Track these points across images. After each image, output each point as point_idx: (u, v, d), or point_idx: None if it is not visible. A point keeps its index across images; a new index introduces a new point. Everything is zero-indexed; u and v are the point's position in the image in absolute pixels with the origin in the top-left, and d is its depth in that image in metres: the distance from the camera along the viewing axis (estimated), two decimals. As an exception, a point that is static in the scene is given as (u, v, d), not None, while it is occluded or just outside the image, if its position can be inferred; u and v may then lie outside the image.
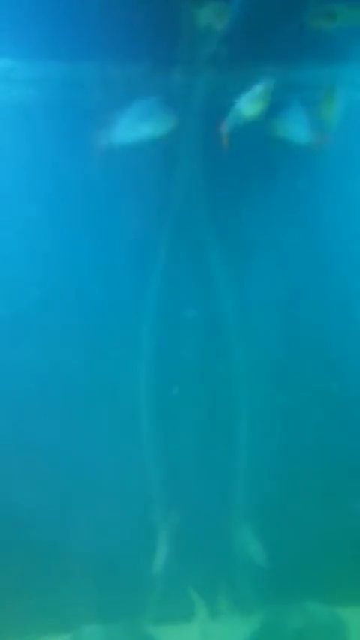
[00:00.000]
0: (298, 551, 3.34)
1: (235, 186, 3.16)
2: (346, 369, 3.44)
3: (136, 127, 2.67)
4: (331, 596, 3.38)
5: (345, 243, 3.37)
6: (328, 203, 3.30)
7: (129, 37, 2.72)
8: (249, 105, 2.54)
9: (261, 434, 3.39)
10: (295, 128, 2.82)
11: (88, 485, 3.29)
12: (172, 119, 2.72)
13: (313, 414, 3.40)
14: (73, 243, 3.20)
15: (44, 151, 3.01)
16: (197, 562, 3.35)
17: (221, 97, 2.85)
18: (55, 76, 2.92)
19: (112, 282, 3.24)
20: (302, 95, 2.83)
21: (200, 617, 3.25)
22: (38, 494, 3.23)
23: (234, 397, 3.38)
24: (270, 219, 3.26)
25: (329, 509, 3.36)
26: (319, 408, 3.41)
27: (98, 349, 3.28)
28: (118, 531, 3.27)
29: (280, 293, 3.36)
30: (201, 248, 3.26)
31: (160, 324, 3.28)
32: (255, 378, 3.37)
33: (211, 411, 3.40)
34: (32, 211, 3.11)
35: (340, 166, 3.23)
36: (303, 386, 3.41)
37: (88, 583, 3.29)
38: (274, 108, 2.69)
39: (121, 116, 2.68)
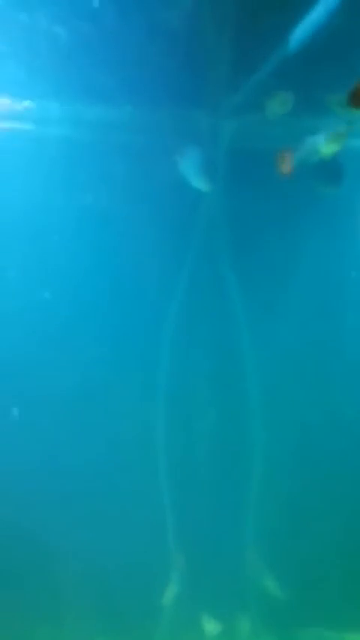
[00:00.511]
0: (311, 581, 3.42)
1: (257, 226, 3.35)
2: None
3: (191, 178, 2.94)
4: (342, 624, 3.44)
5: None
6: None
7: (163, 83, 2.95)
8: (328, 144, 2.67)
9: (274, 464, 3.49)
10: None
11: (100, 511, 3.37)
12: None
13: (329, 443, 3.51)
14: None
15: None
16: (209, 590, 3.42)
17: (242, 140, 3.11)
18: (91, 118, 3.15)
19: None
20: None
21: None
22: (50, 513, 3.31)
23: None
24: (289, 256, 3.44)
25: (341, 537, 3.44)
26: (336, 438, 3.51)
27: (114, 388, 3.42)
28: (130, 555, 3.34)
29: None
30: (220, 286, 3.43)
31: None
32: (269, 418, 3.48)
33: (225, 443, 3.51)
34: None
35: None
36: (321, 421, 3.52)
37: (98, 607, 3.36)
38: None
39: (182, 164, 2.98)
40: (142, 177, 3.21)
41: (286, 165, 2.71)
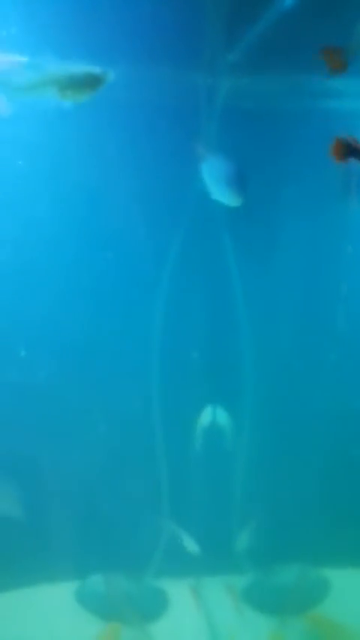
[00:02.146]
0: (293, 518, 3.65)
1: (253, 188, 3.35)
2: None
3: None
4: (321, 560, 3.70)
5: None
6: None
7: (156, 41, 2.89)
8: None
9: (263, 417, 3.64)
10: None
11: (95, 445, 3.56)
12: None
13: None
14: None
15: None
16: (195, 522, 3.67)
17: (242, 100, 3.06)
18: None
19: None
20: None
21: (196, 574, 3.59)
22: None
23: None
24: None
25: (321, 479, 3.64)
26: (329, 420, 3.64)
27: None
28: (124, 486, 3.57)
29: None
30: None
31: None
32: (262, 379, 3.62)
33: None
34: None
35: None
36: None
37: (94, 534, 3.56)
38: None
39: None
40: (136, 136, 3.20)
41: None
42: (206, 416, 3.59)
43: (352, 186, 3.21)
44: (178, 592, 3.53)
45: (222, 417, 3.61)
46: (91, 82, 2.43)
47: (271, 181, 3.29)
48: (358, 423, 3.70)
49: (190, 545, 3.44)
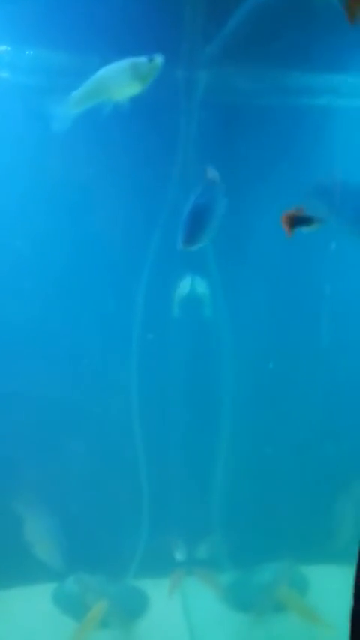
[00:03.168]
0: (273, 516, 3.65)
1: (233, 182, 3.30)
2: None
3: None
4: (301, 556, 3.71)
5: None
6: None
7: (133, 30, 2.83)
8: None
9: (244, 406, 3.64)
10: None
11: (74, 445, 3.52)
12: None
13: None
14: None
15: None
16: (178, 522, 3.65)
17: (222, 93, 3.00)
18: (57, 65, 3.03)
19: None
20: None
21: (178, 574, 3.57)
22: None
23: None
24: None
25: (301, 470, 3.65)
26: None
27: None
28: (107, 488, 3.54)
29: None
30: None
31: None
32: (242, 364, 3.59)
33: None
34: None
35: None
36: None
37: (74, 533, 3.49)
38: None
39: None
40: (117, 126, 3.14)
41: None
42: (185, 287, 3.54)
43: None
44: (159, 592, 3.51)
45: (201, 286, 3.59)
46: (143, 74, 2.39)
47: (249, 177, 3.26)
48: (340, 419, 3.71)
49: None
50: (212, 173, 2.72)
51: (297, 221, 2.34)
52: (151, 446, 3.58)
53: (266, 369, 3.58)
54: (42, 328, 3.43)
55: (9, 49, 3.01)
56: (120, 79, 2.44)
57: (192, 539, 3.65)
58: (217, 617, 3.34)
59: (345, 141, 3.33)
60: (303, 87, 3.09)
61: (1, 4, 2.80)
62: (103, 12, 2.74)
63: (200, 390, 3.67)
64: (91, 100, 2.51)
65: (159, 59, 2.38)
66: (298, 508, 3.62)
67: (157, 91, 2.90)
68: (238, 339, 3.59)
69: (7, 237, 3.30)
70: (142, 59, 2.39)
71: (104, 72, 2.48)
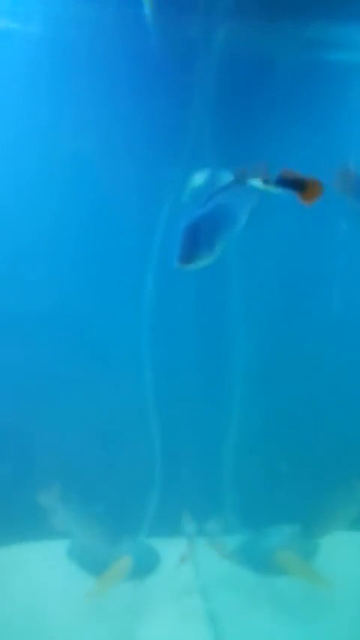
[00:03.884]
0: (284, 480, 3.67)
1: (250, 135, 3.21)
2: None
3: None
4: (312, 523, 3.72)
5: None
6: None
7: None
8: None
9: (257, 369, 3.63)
10: None
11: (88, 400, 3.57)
12: None
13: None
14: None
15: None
16: (190, 484, 3.70)
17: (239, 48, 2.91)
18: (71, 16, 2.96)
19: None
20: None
21: (189, 534, 3.62)
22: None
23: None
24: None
25: (318, 438, 3.64)
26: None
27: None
28: (120, 449, 3.59)
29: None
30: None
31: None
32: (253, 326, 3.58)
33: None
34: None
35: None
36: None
37: (87, 493, 3.57)
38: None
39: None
40: (128, 81, 3.08)
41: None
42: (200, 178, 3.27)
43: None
44: (170, 551, 3.57)
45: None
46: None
47: (266, 135, 3.18)
48: (352, 387, 3.69)
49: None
50: (241, 173, 2.21)
51: (284, 183, 2.02)
52: (164, 407, 3.60)
53: (279, 334, 3.56)
54: (55, 296, 3.46)
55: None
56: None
57: (203, 502, 3.70)
58: (226, 575, 3.40)
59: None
60: (326, 40, 2.98)
61: None
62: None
63: (212, 355, 3.67)
64: None
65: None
66: (309, 474, 3.64)
67: (172, 46, 2.84)
68: (250, 305, 3.57)
69: (19, 200, 3.29)
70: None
71: None
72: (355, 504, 3.57)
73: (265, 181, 2.06)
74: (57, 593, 3.23)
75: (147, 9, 2.37)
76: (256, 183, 2.07)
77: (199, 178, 3.20)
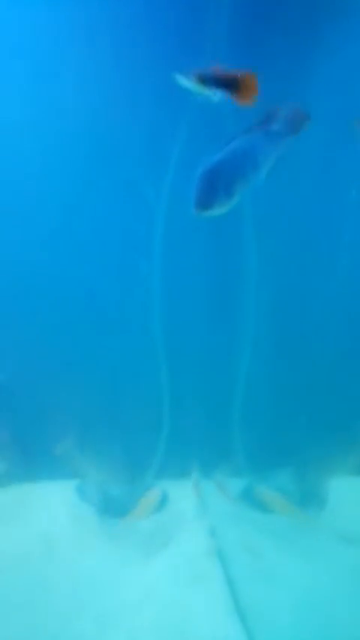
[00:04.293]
0: (293, 422, 3.72)
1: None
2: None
3: None
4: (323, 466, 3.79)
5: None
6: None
7: None
8: None
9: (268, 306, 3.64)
10: None
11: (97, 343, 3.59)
12: None
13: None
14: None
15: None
16: (198, 425, 3.75)
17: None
18: None
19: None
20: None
21: (195, 475, 3.70)
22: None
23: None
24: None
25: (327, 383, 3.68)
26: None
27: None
28: (128, 389, 3.62)
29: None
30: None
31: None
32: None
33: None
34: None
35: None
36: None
37: (95, 433, 3.65)
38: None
39: None
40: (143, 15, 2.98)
41: None
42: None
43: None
44: (178, 491, 3.65)
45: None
46: None
47: (288, 79, 3.10)
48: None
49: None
50: (274, 112, 2.06)
51: (215, 82, 1.79)
52: (173, 346, 3.63)
53: (290, 269, 3.55)
54: (68, 221, 3.44)
55: None
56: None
57: (210, 444, 3.76)
58: (231, 513, 3.49)
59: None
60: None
61: None
62: None
63: (222, 290, 3.66)
64: None
65: None
66: (319, 416, 3.69)
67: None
68: (262, 243, 3.54)
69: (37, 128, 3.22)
70: None
71: None
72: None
73: (200, 81, 1.84)
74: (68, 527, 3.32)
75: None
76: (186, 83, 1.89)
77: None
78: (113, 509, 3.46)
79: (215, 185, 1.96)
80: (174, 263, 3.56)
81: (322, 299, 3.66)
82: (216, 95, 1.85)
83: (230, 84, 1.77)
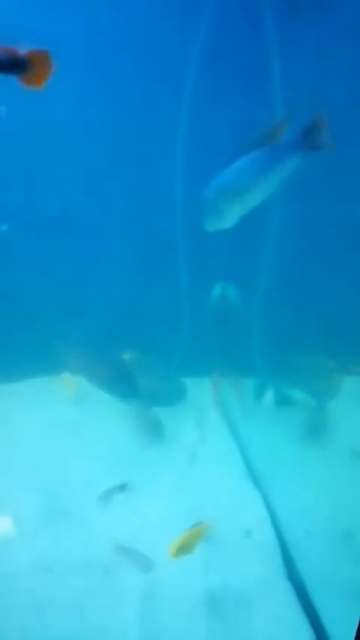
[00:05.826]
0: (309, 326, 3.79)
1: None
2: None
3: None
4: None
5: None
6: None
7: None
8: None
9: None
10: None
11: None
12: None
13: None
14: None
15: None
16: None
17: None
18: None
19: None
20: None
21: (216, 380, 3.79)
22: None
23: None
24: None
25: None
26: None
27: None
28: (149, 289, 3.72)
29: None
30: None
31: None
32: None
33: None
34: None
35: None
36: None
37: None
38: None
39: None
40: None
41: None
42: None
43: None
44: (196, 388, 3.76)
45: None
46: None
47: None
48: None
49: None
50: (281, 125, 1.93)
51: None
52: (192, 249, 3.69)
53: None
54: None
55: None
56: None
57: (228, 344, 3.85)
58: (249, 408, 3.62)
59: None
60: None
61: None
62: None
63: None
64: None
65: None
66: (334, 323, 3.76)
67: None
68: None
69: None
70: None
71: None
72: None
73: None
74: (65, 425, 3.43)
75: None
76: None
77: None
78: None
79: (221, 204, 1.99)
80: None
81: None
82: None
83: (15, 65, 1.44)
